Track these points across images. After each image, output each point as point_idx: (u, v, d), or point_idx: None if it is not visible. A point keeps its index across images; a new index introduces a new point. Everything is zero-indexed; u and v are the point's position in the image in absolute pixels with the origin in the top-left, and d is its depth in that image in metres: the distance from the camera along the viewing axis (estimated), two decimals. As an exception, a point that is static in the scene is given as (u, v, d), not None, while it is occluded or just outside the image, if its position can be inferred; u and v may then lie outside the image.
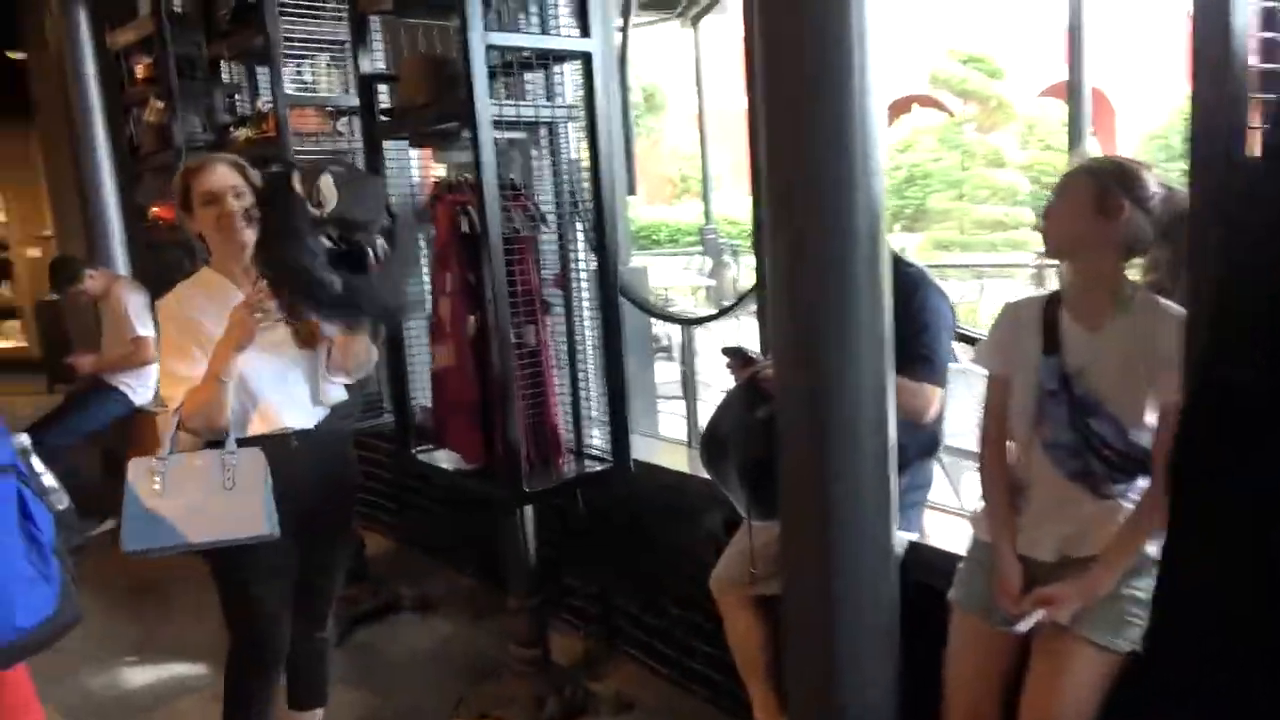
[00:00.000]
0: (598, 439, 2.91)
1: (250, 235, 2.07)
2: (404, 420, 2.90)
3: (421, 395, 2.98)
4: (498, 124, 2.43)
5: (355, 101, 2.94)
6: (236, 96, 3.91)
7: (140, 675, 3.17)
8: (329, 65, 3.42)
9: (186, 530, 1.93)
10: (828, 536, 1.65)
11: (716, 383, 3.23)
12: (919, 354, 1.98)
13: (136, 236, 4.85)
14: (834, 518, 1.64)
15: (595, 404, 2.93)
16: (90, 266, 4.49)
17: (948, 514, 2.33)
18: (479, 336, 2.57)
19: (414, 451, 2.90)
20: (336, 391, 2.21)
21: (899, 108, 13.52)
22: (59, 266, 4.46)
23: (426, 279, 2.86)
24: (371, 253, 2.02)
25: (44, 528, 1.46)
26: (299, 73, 3.34)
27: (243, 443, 2.00)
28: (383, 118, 2.77)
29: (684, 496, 2.75)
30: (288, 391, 2.11)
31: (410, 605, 3.56)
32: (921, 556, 2.09)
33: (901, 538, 2.02)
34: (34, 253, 9.46)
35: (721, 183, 10.58)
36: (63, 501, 1.56)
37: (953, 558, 1.94)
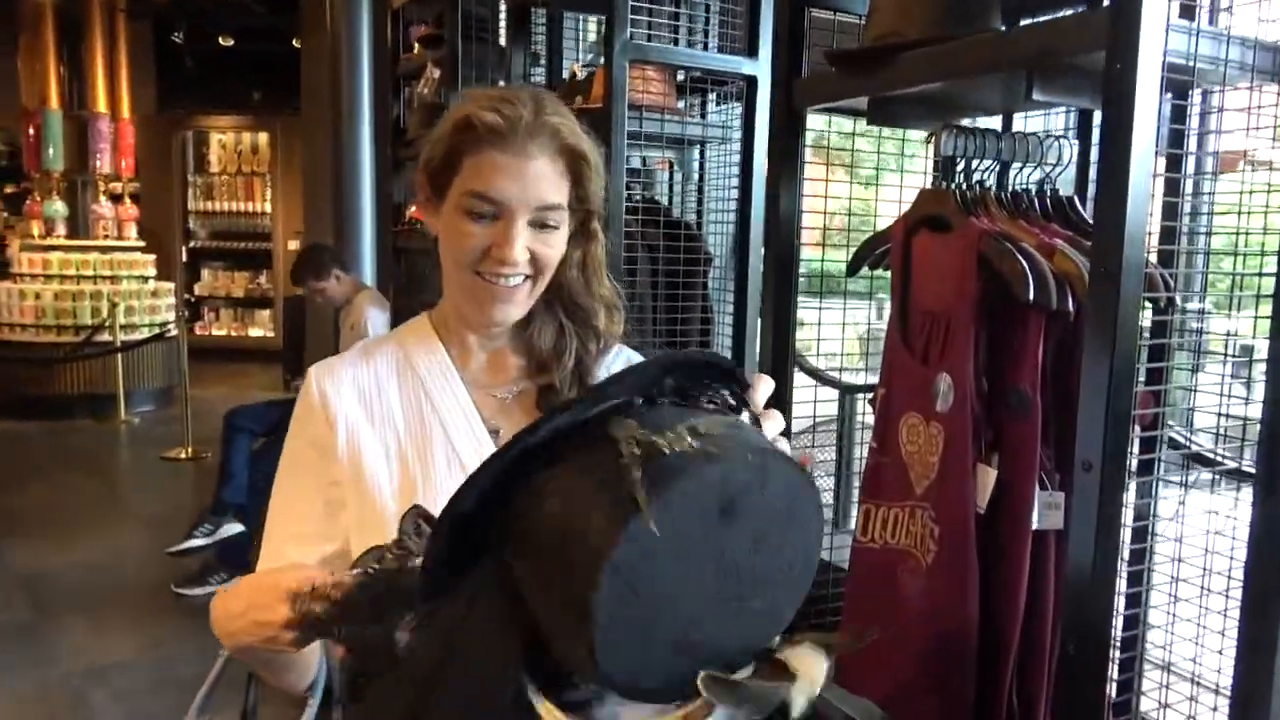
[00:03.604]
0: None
1: (527, 301, 1.00)
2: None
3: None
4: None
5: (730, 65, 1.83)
6: (537, 67, 2.89)
7: None
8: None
9: None
10: None
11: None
12: None
13: (386, 240, 4.08)
14: None
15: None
16: (340, 266, 3.82)
17: None
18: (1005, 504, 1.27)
19: None
20: None
21: None
22: (303, 258, 3.97)
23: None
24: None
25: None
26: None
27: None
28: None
29: None
30: None
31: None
32: None
33: None
34: (294, 245, 9.29)
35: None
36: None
37: None
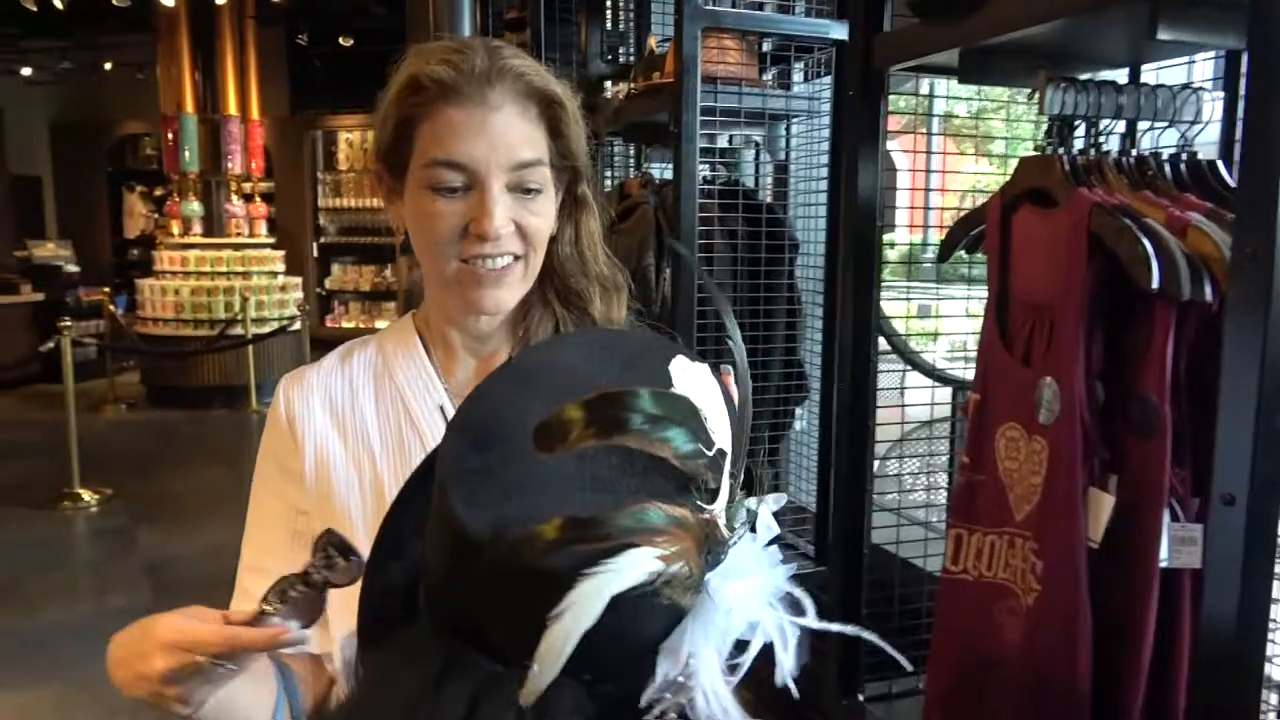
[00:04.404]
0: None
1: (520, 284, 0.86)
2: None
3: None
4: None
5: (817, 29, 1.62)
6: (620, 48, 2.74)
7: None
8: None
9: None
10: None
11: None
12: None
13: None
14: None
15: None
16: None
17: None
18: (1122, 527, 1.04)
19: None
20: None
21: None
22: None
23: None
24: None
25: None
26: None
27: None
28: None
29: None
30: None
31: None
32: None
33: None
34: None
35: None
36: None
37: None
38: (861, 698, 1.51)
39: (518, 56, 0.82)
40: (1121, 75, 1.41)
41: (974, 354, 2.20)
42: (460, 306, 0.86)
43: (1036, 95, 1.18)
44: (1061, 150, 1.13)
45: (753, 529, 0.55)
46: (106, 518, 4.86)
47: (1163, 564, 1.04)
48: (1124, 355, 1.06)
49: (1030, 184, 1.15)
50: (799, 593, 0.55)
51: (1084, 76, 1.28)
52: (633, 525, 0.48)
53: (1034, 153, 1.21)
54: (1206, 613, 0.89)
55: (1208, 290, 0.95)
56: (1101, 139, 1.17)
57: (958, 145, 2.23)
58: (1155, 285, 0.95)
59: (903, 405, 1.83)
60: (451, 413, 0.86)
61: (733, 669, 0.53)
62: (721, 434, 0.55)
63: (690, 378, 0.58)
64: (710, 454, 0.52)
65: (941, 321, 2.14)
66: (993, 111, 1.73)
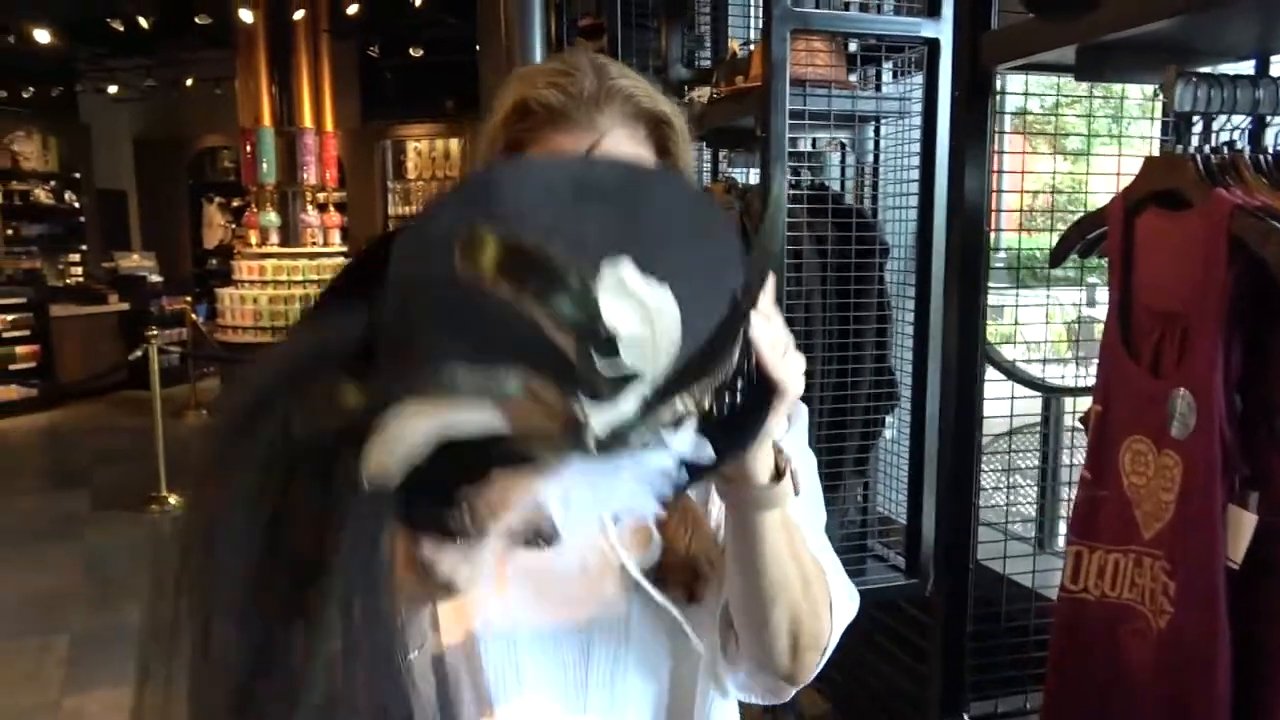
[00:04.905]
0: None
1: None
2: None
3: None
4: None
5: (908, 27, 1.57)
6: (698, 52, 2.72)
7: None
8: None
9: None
10: None
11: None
12: None
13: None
14: None
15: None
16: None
17: None
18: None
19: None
20: None
21: None
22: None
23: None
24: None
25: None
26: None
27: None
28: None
29: None
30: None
31: None
32: None
33: None
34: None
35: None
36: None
37: None
38: (967, 717, 1.46)
39: (625, 75, 0.80)
40: (1246, 67, 1.35)
41: (1052, 358, 2.13)
42: None
43: (1159, 91, 1.12)
44: (1193, 149, 1.07)
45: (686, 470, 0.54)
46: (192, 521, 5.01)
47: (1311, 587, 0.98)
48: (1265, 365, 1.00)
49: (1159, 185, 1.09)
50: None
51: (1204, 70, 1.22)
52: (485, 384, 0.47)
53: (1128, 149, 1.16)
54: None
55: (1364, 297, 0.89)
56: (1232, 136, 1.10)
57: (1030, 143, 2.15)
58: (1309, 291, 0.89)
59: (1011, 415, 1.76)
60: None
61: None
62: (644, 354, 0.51)
63: (632, 286, 0.53)
64: (601, 348, 0.49)
65: (1021, 326, 2.07)
66: (1067, 106, 1.66)
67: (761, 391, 0.61)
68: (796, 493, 0.70)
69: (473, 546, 0.62)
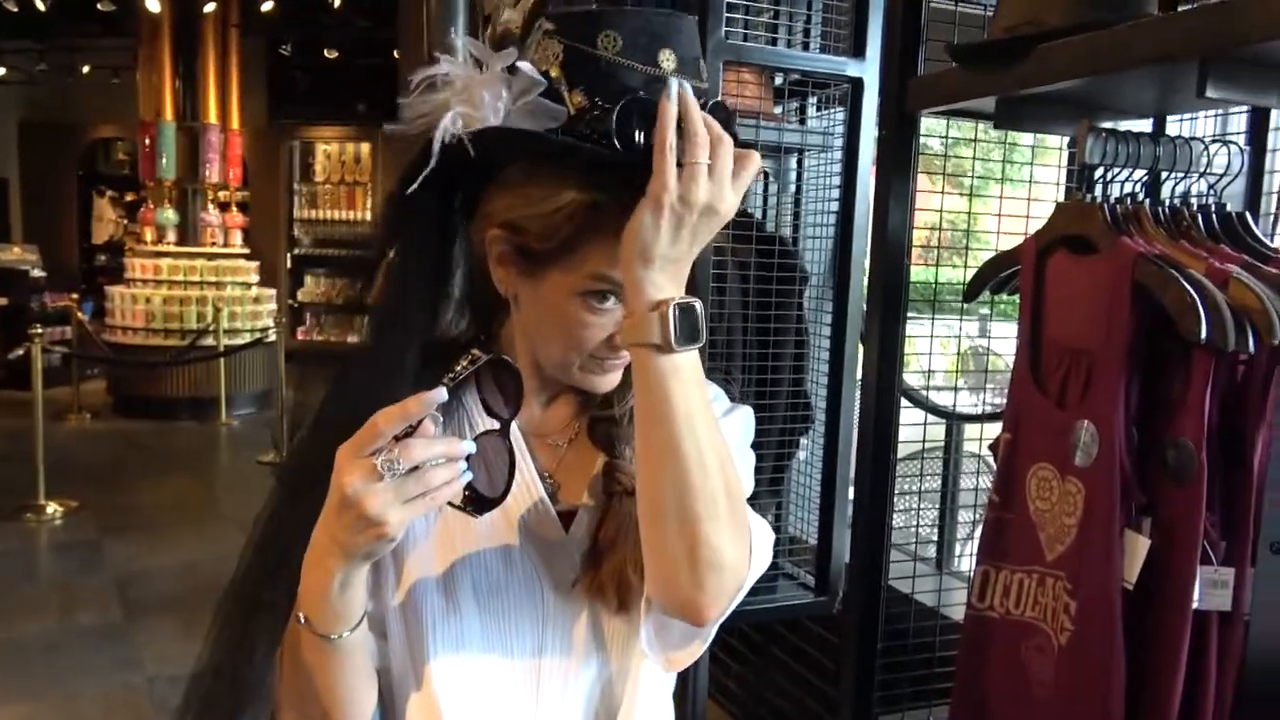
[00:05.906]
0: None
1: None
2: None
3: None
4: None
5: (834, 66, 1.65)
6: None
7: None
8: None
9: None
10: None
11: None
12: None
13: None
14: None
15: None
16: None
17: None
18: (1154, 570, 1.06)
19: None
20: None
21: None
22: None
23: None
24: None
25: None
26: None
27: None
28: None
29: None
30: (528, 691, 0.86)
31: None
32: None
33: None
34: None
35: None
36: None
37: None
38: (875, 731, 1.52)
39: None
40: (1145, 125, 1.46)
41: (944, 386, 2.23)
42: (572, 382, 0.89)
43: (1071, 141, 1.21)
44: (1099, 198, 1.16)
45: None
46: (72, 530, 4.75)
47: (1195, 606, 1.07)
48: (1159, 401, 1.09)
49: (1069, 230, 1.17)
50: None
51: (1107, 125, 1.32)
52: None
53: (1019, 191, 1.24)
54: (1252, 656, 0.91)
55: (1250, 342, 0.98)
56: (1134, 188, 1.20)
57: (931, 180, 2.25)
58: (1204, 336, 0.98)
59: (924, 440, 1.85)
60: (518, 441, 0.86)
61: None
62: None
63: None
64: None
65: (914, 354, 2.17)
66: (964, 146, 1.75)
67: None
68: (687, 341, 0.73)
69: (404, 487, 0.69)
